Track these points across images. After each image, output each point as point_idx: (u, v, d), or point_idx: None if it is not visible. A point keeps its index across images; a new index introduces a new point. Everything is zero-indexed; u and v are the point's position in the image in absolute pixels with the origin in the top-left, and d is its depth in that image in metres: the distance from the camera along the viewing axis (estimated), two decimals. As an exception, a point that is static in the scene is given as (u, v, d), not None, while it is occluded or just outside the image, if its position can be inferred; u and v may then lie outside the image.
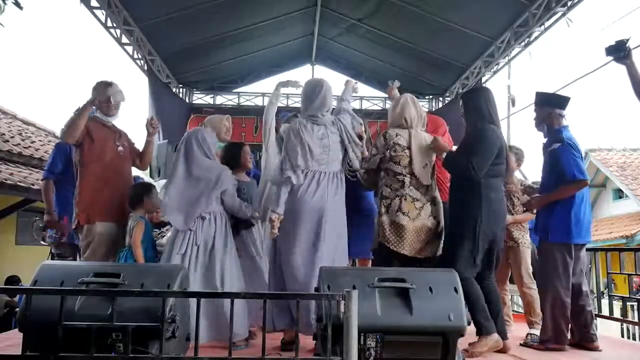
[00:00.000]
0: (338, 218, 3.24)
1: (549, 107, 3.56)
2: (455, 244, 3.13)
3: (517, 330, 4.07)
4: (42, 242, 4.17)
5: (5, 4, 4.29)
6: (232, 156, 3.68)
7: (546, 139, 3.58)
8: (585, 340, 3.39)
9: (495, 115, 3.32)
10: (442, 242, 3.23)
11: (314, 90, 3.34)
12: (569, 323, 3.37)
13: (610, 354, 3.40)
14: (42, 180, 4.36)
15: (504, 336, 3.16)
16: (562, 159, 3.38)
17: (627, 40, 3.05)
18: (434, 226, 3.19)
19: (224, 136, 4.05)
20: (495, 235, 3.15)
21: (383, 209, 3.18)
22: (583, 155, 3.62)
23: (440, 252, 3.22)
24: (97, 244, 3.40)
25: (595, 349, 3.37)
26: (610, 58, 3.17)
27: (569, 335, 3.38)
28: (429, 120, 3.94)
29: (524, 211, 4.04)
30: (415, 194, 3.17)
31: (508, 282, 4.35)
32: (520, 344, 3.52)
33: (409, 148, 3.20)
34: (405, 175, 3.18)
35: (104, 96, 3.59)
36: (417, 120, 3.32)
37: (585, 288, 3.51)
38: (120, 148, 3.66)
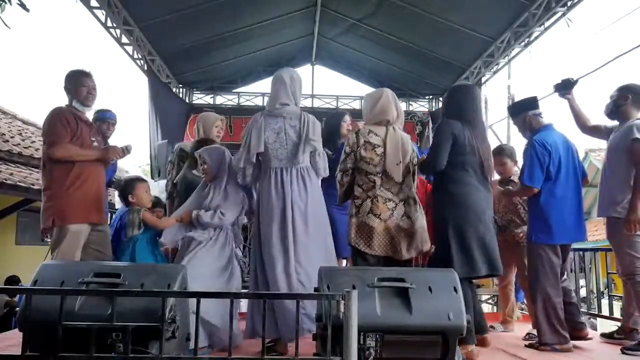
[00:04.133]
0: (313, 216, 3.11)
1: (522, 112, 3.61)
2: (436, 245, 3.13)
3: (517, 330, 4.07)
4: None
5: (8, 4, 4.27)
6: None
7: None
8: (574, 329, 3.41)
9: (463, 111, 3.19)
10: (419, 242, 3.17)
11: (272, 83, 3.25)
12: (563, 321, 3.37)
13: (609, 354, 3.40)
14: None
15: (483, 331, 3.26)
16: (523, 161, 3.50)
17: (574, 80, 3.65)
18: (409, 226, 3.13)
19: (214, 136, 4.04)
20: (467, 232, 3.04)
21: (354, 210, 3.13)
22: (579, 154, 3.65)
23: (413, 254, 3.19)
24: (68, 245, 3.22)
25: (585, 336, 3.41)
26: (575, 82, 3.66)
27: (567, 334, 3.39)
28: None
29: None
30: (387, 194, 3.12)
31: (513, 279, 4.36)
32: (526, 345, 3.52)
33: (384, 145, 3.14)
34: (376, 175, 3.12)
35: (84, 85, 3.43)
36: (396, 119, 3.27)
37: (567, 284, 3.56)
38: (95, 143, 3.48)
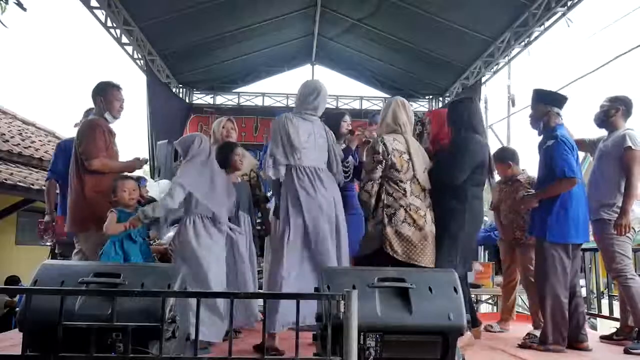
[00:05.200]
0: (340, 215, 3.25)
1: (547, 104, 3.58)
2: (442, 247, 3.18)
3: (518, 331, 4.07)
4: (46, 243, 4.18)
5: (6, 4, 4.28)
6: (223, 157, 3.63)
7: (541, 137, 3.59)
8: (576, 340, 3.41)
9: (478, 125, 3.42)
10: (434, 251, 3.19)
11: (311, 93, 3.33)
12: (567, 324, 3.37)
13: (610, 354, 3.41)
14: (45, 180, 4.37)
15: (475, 323, 3.50)
16: (554, 156, 3.42)
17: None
18: (433, 233, 3.16)
19: (224, 137, 4.04)
20: (472, 238, 3.27)
21: (386, 219, 3.08)
22: (582, 155, 3.66)
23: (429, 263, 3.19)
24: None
25: (585, 348, 3.40)
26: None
27: (566, 336, 3.38)
28: (434, 117, 3.92)
29: None
30: (416, 202, 3.12)
31: (518, 278, 4.37)
32: (519, 345, 3.52)
33: (408, 152, 3.16)
34: (406, 182, 3.12)
35: (118, 99, 3.57)
36: (409, 126, 3.30)
37: (579, 289, 3.55)
38: (118, 151, 3.68)
